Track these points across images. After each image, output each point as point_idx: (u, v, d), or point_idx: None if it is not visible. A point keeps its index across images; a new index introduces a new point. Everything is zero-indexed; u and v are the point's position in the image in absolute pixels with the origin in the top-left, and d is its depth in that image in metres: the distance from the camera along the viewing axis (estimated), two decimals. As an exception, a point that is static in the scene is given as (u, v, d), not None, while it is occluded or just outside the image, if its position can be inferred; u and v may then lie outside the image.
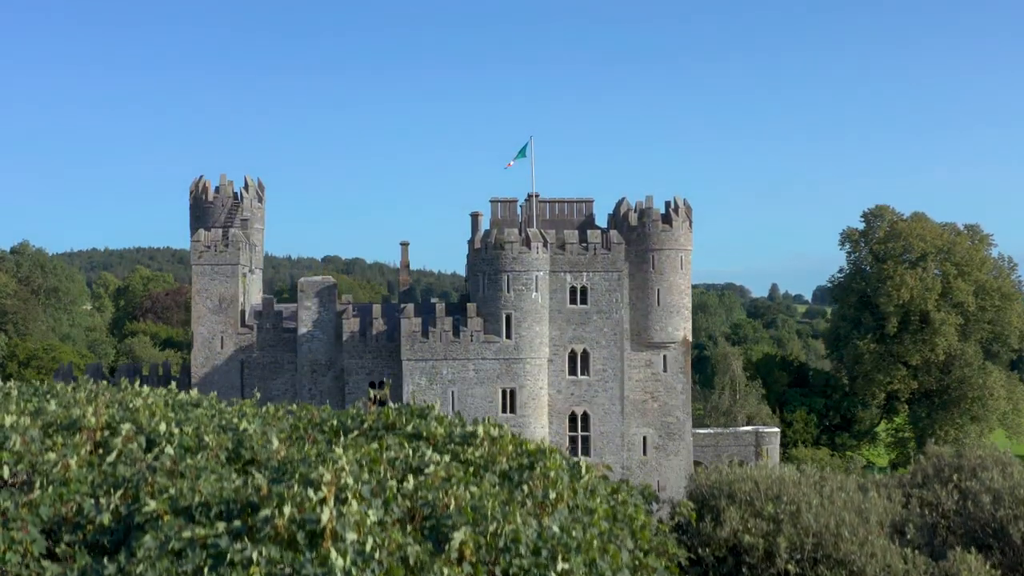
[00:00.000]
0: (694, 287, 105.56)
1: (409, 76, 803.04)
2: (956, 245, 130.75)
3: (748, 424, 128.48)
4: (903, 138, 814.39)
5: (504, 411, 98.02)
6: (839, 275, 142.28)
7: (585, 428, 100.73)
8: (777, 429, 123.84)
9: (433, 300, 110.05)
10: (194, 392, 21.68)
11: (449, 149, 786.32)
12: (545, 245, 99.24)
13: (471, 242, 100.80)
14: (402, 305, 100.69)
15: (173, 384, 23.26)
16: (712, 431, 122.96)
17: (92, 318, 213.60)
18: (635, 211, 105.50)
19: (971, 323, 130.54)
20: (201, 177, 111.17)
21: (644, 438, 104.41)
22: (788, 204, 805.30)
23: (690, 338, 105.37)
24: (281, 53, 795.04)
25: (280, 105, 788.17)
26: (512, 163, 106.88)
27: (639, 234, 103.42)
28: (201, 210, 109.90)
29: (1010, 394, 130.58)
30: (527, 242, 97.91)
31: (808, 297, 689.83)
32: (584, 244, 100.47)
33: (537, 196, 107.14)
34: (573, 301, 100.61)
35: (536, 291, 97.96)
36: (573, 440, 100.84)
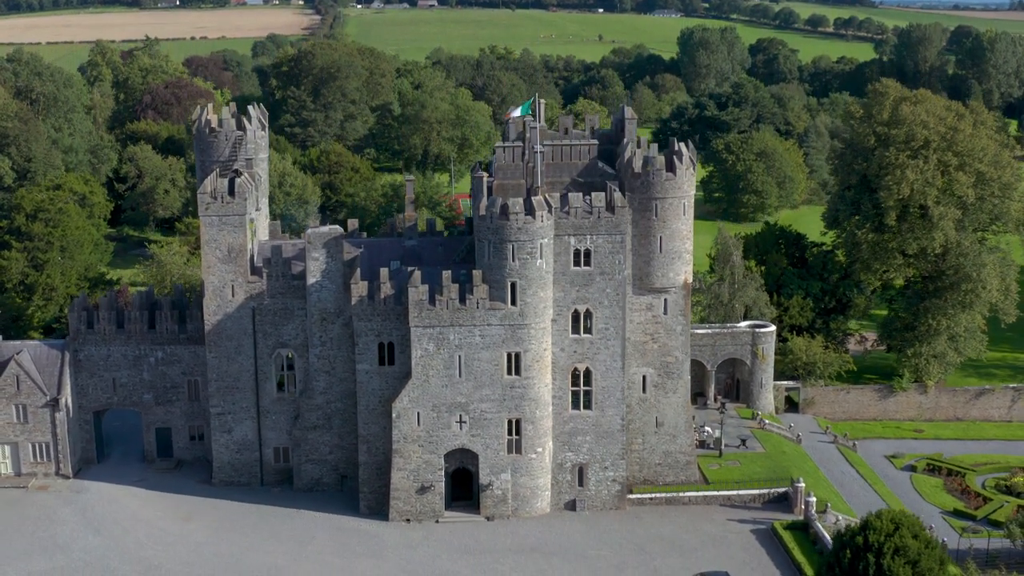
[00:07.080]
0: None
1: None
2: (958, 132, 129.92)
3: (746, 316, 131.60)
4: None
5: (509, 373, 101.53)
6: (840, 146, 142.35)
7: (587, 383, 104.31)
8: (773, 328, 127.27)
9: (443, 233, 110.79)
10: None
11: None
12: (550, 210, 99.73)
13: (476, 207, 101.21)
14: (409, 268, 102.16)
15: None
16: (710, 330, 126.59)
17: (90, 118, 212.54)
18: (639, 149, 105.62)
19: (970, 213, 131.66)
20: (204, 110, 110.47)
21: (644, 377, 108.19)
22: None
23: (691, 280, 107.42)
24: None
25: None
26: (512, 115, 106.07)
27: (643, 182, 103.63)
28: (204, 143, 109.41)
29: (1002, 282, 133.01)
30: (531, 210, 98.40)
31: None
32: (588, 205, 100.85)
33: (533, 134, 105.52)
34: (577, 263, 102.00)
35: (541, 258, 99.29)
36: (575, 395, 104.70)
